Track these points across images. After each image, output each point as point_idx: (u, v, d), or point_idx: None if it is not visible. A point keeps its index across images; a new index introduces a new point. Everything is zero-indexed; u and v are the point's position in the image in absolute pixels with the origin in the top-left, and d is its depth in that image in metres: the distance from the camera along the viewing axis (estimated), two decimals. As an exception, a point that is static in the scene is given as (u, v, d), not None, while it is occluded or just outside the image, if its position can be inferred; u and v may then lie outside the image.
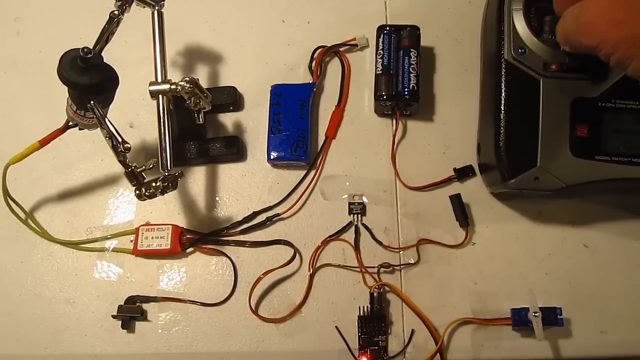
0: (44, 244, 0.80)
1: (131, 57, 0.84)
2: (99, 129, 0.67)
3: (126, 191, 0.81)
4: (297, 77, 0.85)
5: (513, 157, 0.70)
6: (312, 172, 0.81)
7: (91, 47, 0.63)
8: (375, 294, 0.74)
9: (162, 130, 0.71)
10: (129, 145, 0.65)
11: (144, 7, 0.74)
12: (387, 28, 0.81)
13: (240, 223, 0.79)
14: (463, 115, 0.82)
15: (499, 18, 0.74)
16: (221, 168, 0.82)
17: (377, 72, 0.80)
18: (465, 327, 0.74)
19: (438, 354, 0.71)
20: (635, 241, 0.77)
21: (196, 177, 0.82)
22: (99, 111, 0.65)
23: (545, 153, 0.69)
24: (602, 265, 0.76)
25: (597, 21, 0.60)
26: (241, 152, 0.82)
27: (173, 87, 0.70)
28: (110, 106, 0.70)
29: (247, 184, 0.81)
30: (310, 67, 0.85)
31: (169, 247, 0.76)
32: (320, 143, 0.82)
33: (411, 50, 0.79)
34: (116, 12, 0.69)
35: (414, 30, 0.80)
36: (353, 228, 0.78)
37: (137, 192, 0.68)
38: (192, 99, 0.70)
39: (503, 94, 0.72)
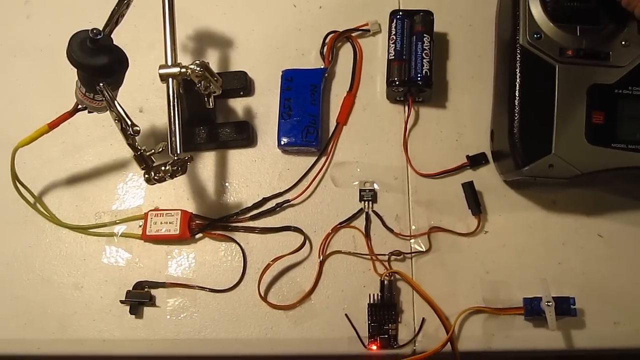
0: (52, 229, 0.80)
1: (141, 41, 0.84)
2: (108, 112, 0.66)
3: (135, 176, 0.81)
4: (309, 62, 0.85)
5: (527, 144, 0.69)
6: (323, 159, 0.80)
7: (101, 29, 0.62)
8: (385, 282, 0.73)
9: (172, 114, 0.71)
10: (138, 128, 0.64)
11: (155, -11, 0.74)
12: (400, 13, 0.80)
13: (249, 209, 0.78)
14: (476, 101, 0.81)
15: (514, 3, 0.73)
16: (231, 153, 0.81)
17: (390, 58, 0.79)
18: (476, 317, 0.73)
19: (449, 343, 0.71)
20: (650, 231, 0.76)
21: (206, 163, 0.81)
22: (108, 93, 0.64)
23: (560, 140, 0.68)
24: (617, 255, 0.75)
25: None
26: (251, 137, 0.81)
27: (183, 70, 0.69)
28: (120, 91, 0.70)
29: (257, 169, 0.81)
30: (321, 52, 0.84)
31: (177, 232, 0.76)
32: (332, 129, 0.81)
33: (424, 35, 0.78)
34: (126, -6, 0.68)
35: (427, 16, 0.80)
36: (364, 215, 0.77)
37: (147, 176, 0.67)
38: (203, 82, 0.70)
39: (518, 80, 0.71)
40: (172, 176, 0.67)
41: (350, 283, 0.75)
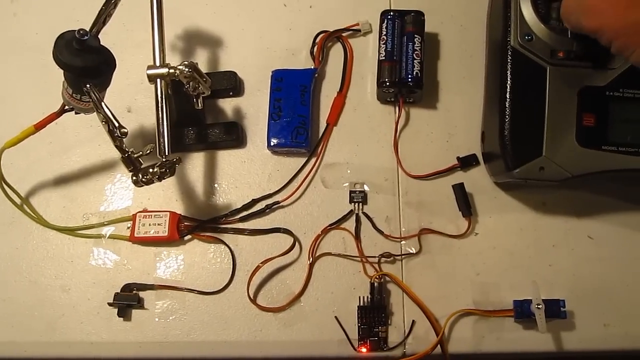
0: (39, 230, 0.79)
1: (130, 40, 0.83)
2: (95, 113, 0.65)
3: (123, 177, 0.80)
4: (299, 62, 0.84)
5: (518, 146, 0.69)
6: (313, 160, 0.79)
7: (88, 30, 0.61)
8: (375, 284, 0.73)
9: (160, 115, 0.70)
10: (125, 130, 0.64)
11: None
12: (391, 13, 0.80)
13: (239, 210, 0.78)
14: (467, 103, 0.81)
15: (505, 4, 0.73)
16: (220, 154, 0.81)
17: (380, 58, 0.78)
18: (466, 319, 0.73)
19: (439, 345, 0.70)
20: (640, 233, 0.76)
21: (195, 164, 0.81)
22: (95, 95, 0.64)
23: (551, 142, 0.68)
24: (607, 257, 0.75)
25: (600, 4, 0.58)
26: (241, 138, 0.81)
27: (171, 71, 0.69)
28: (108, 90, 0.69)
29: (246, 170, 0.80)
30: (312, 53, 0.84)
31: (166, 234, 0.75)
32: (322, 130, 0.81)
33: (415, 36, 0.78)
34: (113, -7, 0.67)
35: (418, 16, 0.79)
36: (354, 217, 0.77)
37: (134, 178, 0.66)
38: (191, 83, 0.69)
39: (509, 82, 0.71)
40: (160, 178, 0.67)
41: (340, 285, 0.74)
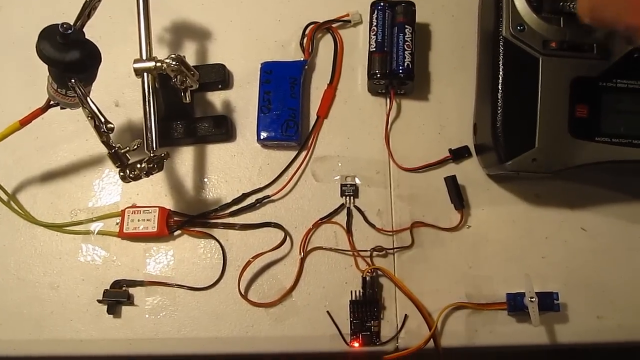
0: (27, 227, 0.78)
1: (116, 33, 0.82)
2: (81, 108, 0.64)
3: (111, 172, 0.79)
4: (288, 54, 0.83)
5: (510, 138, 0.69)
6: (303, 153, 0.79)
7: (72, 23, 0.60)
8: (367, 278, 0.72)
9: (147, 110, 0.69)
10: (112, 126, 0.63)
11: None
12: (381, 4, 0.79)
13: (229, 205, 0.77)
14: (459, 94, 0.80)
15: (497, -7, 0.72)
16: (209, 148, 0.80)
17: (371, 50, 0.78)
18: (459, 312, 0.72)
19: (432, 339, 0.70)
20: (635, 225, 0.75)
21: (184, 158, 0.80)
22: (80, 90, 0.63)
23: (543, 134, 0.68)
24: (600, 249, 0.75)
25: None
26: (230, 132, 0.80)
27: (158, 64, 0.68)
28: (95, 84, 0.68)
29: (236, 164, 0.79)
30: (301, 44, 0.83)
31: (155, 229, 0.75)
32: (312, 123, 0.80)
33: (406, 26, 0.77)
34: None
35: (409, 6, 0.78)
36: (345, 210, 0.76)
37: (122, 173, 0.66)
38: (178, 77, 0.68)
39: (501, 73, 0.70)
40: (148, 174, 0.66)
41: (331, 280, 0.74)
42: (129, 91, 0.82)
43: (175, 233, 0.76)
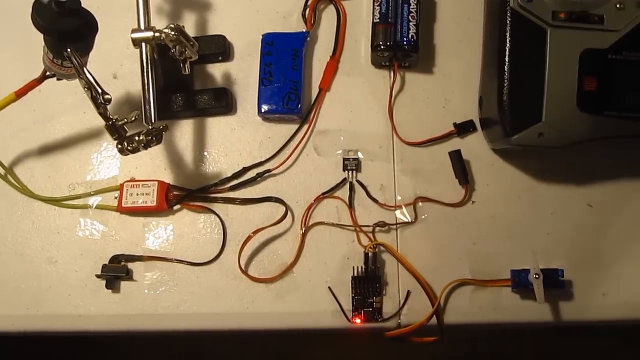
0: (24, 201, 0.77)
1: (114, 3, 0.80)
2: (77, 79, 0.63)
3: (110, 146, 0.78)
4: (290, 25, 0.81)
5: (517, 111, 0.67)
6: (305, 126, 0.77)
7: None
8: (369, 254, 0.72)
9: (146, 81, 0.68)
10: (109, 97, 0.62)
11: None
12: (386, -27, 0.77)
13: (229, 179, 0.76)
14: (464, 67, 0.79)
15: (504, -37, 0.70)
16: (209, 121, 0.79)
17: (375, 21, 0.76)
18: (463, 289, 0.72)
19: (434, 316, 0.69)
20: (642, 201, 0.74)
21: (183, 131, 0.79)
22: (76, 60, 0.61)
23: (550, 107, 0.66)
24: (606, 225, 0.74)
25: None
26: (230, 104, 0.79)
27: (157, 34, 0.67)
28: (93, 56, 0.67)
29: (236, 138, 0.78)
30: (303, 15, 0.81)
31: (154, 204, 0.74)
32: (314, 95, 0.79)
33: (411, -3, 0.76)
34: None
35: (414, -24, 0.76)
36: (347, 185, 0.75)
37: (119, 146, 0.65)
38: (177, 47, 0.67)
39: (507, 45, 0.68)
40: (146, 146, 0.65)
41: (333, 255, 0.73)
42: (128, 63, 0.81)
43: (175, 207, 0.75)
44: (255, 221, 0.74)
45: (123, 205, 0.74)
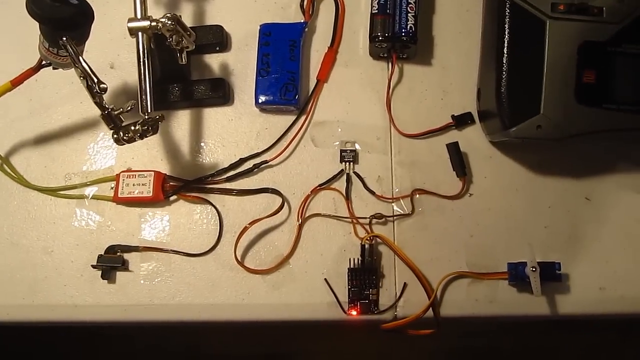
0: (20, 191, 0.77)
1: (111, -7, 0.80)
2: (73, 68, 0.63)
3: (106, 136, 0.78)
4: (288, 16, 0.81)
5: (515, 103, 0.67)
6: (303, 117, 0.77)
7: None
8: (366, 246, 0.71)
9: (142, 71, 0.67)
10: (105, 86, 0.62)
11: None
12: (384, -36, 0.76)
13: (226, 170, 0.76)
14: (463, 59, 0.78)
15: (504, -46, 0.70)
16: (206, 112, 0.78)
17: (373, 12, 0.76)
18: (459, 281, 0.71)
19: (431, 308, 0.69)
20: (639, 195, 0.74)
21: (180, 122, 0.78)
22: (72, 48, 0.61)
23: (549, 100, 0.66)
24: (604, 219, 0.74)
25: None
26: (227, 95, 0.78)
27: (153, 24, 0.66)
28: (89, 46, 0.67)
29: (233, 129, 0.78)
30: (301, 6, 0.81)
31: (151, 194, 0.73)
32: (312, 86, 0.78)
33: (409, -12, 0.75)
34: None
35: (413, -33, 0.76)
36: (344, 177, 0.75)
37: (115, 136, 0.65)
38: (174, 37, 0.67)
39: (506, 37, 0.68)
40: (142, 136, 0.65)
41: (329, 247, 0.73)
42: (125, 53, 0.80)
43: (171, 198, 0.75)
44: (252, 212, 0.74)
45: (119, 195, 0.74)
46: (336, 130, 0.77)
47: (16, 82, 0.70)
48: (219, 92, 0.77)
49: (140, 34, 0.67)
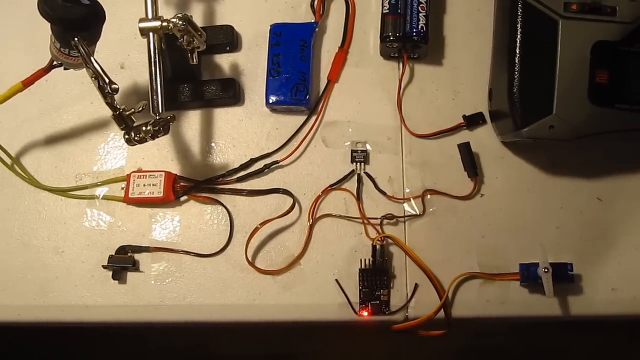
0: (31, 191, 0.77)
1: (122, -7, 0.80)
2: (85, 69, 0.63)
3: (117, 136, 0.78)
4: (299, 16, 0.81)
5: (527, 104, 0.67)
6: (313, 118, 0.77)
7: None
8: (377, 247, 0.71)
9: (153, 71, 0.68)
10: (116, 86, 0.62)
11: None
12: (395, -36, 0.76)
13: (236, 170, 0.76)
14: (474, 59, 0.78)
15: (516, -47, 0.69)
16: (217, 112, 0.78)
17: (384, 11, 0.75)
18: (471, 282, 0.71)
19: (442, 309, 0.69)
20: (653, 195, 0.74)
21: (191, 122, 0.78)
22: (84, 49, 0.61)
23: (561, 100, 0.66)
24: (616, 219, 0.73)
25: None
26: (238, 95, 0.78)
27: (164, 24, 0.66)
28: (100, 46, 0.67)
29: (244, 129, 0.78)
30: (312, 6, 0.81)
31: (161, 195, 0.73)
32: (322, 87, 0.78)
33: (420, -13, 0.75)
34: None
35: (424, -33, 0.76)
36: (355, 177, 0.75)
37: (126, 136, 0.65)
38: (185, 37, 0.67)
39: (518, 36, 0.68)
40: (153, 137, 0.65)
41: (340, 247, 0.73)
42: (135, 53, 0.81)
43: (182, 198, 0.75)
44: (263, 213, 0.74)
45: (130, 195, 0.74)
46: (347, 130, 0.77)
47: (27, 83, 0.70)
48: (230, 92, 0.77)
49: (151, 34, 0.67)
